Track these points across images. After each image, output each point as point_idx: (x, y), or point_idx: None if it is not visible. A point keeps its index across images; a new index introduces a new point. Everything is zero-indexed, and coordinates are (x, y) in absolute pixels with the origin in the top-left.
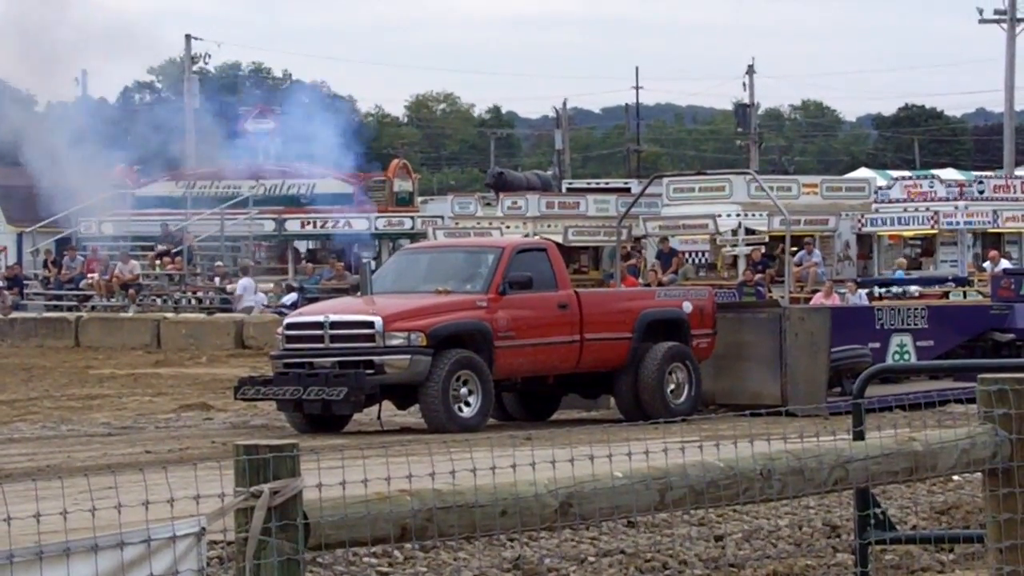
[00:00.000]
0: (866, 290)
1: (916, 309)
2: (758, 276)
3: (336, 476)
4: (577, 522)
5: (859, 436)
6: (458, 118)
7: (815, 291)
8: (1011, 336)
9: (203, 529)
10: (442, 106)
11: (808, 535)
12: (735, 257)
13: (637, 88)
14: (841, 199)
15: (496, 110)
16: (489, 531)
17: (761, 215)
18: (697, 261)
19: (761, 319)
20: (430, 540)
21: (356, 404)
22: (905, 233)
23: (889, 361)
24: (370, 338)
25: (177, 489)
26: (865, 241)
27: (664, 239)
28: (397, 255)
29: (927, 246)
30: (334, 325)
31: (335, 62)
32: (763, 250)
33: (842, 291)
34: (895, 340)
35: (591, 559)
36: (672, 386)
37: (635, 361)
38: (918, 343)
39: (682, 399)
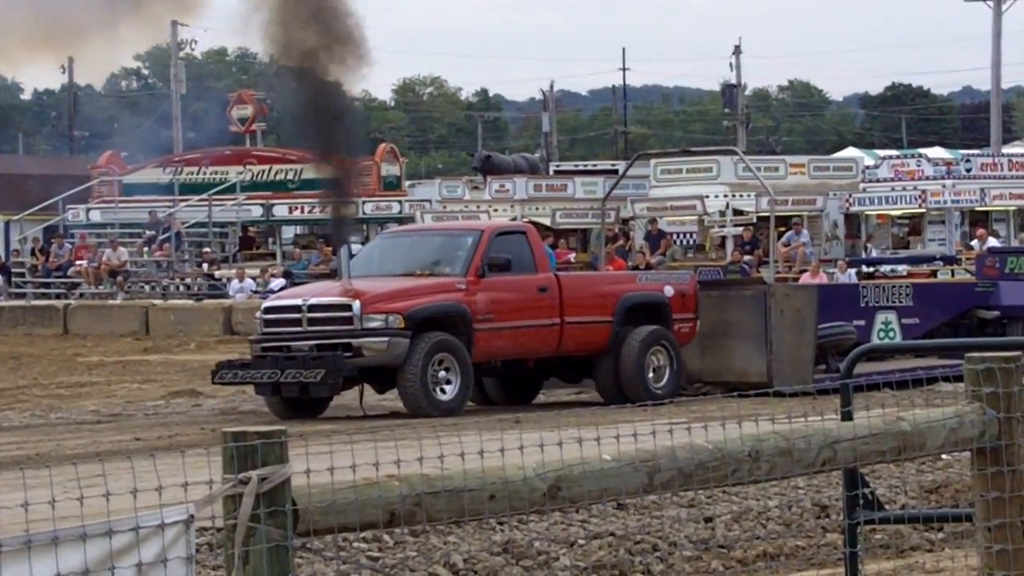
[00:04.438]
0: (855, 269)
1: (901, 287)
2: (746, 257)
3: (324, 462)
4: (566, 505)
5: (847, 416)
6: (445, 102)
7: (803, 271)
8: (996, 314)
9: (191, 516)
10: (429, 90)
11: (797, 515)
12: (723, 238)
13: (624, 70)
14: (829, 179)
15: (483, 93)
16: (478, 515)
17: (749, 196)
18: (685, 242)
19: (746, 296)
20: (419, 525)
21: (334, 387)
22: (893, 212)
23: (875, 339)
24: (348, 321)
25: (165, 476)
26: (853, 221)
27: (652, 221)
28: (377, 239)
29: (915, 225)
30: (312, 308)
31: None
32: (751, 231)
33: (831, 271)
34: (880, 318)
35: (581, 542)
36: (653, 370)
37: (616, 345)
38: (903, 320)
39: (663, 382)
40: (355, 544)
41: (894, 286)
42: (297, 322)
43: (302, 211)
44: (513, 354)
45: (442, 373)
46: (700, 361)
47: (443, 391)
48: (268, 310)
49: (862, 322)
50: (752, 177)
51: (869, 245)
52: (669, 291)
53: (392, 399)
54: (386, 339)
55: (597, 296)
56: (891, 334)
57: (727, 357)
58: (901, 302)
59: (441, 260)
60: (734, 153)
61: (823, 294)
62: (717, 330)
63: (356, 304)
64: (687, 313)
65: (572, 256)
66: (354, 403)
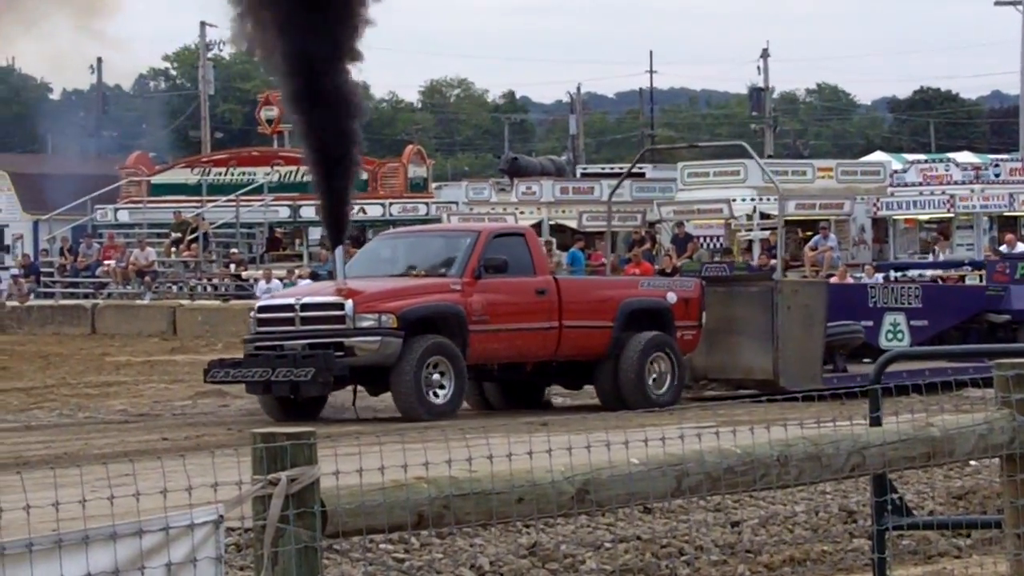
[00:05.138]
0: (882, 274)
1: (910, 288)
2: (773, 260)
3: (353, 463)
4: (593, 509)
5: (876, 422)
6: (472, 104)
7: (830, 275)
8: (1006, 318)
9: (221, 517)
10: (456, 92)
11: (825, 520)
12: (750, 242)
13: (651, 72)
14: (856, 183)
15: (510, 95)
16: (506, 518)
17: (776, 199)
18: (712, 246)
19: (753, 292)
20: (447, 527)
21: (324, 385)
22: (920, 217)
23: (883, 340)
24: (340, 320)
25: (194, 476)
26: (880, 225)
27: (679, 224)
28: (375, 240)
29: (943, 230)
30: (304, 308)
31: None
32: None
33: (859, 275)
34: (888, 319)
35: (607, 545)
36: (654, 376)
37: (616, 351)
38: (912, 322)
39: (664, 389)
40: (381, 546)
41: (903, 287)
42: (290, 321)
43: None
44: (509, 357)
45: (436, 376)
46: (705, 358)
47: (436, 394)
48: (261, 309)
49: (870, 322)
50: (780, 181)
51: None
52: (672, 297)
53: (387, 401)
54: (378, 339)
55: (597, 301)
56: (899, 336)
57: (733, 354)
58: (910, 304)
59: (438, 261)
60: (742, 149)
61: (832, 293)
62: (722, 326)
63: (349, 303)
64: (690, 320)
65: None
66: (346, 409)
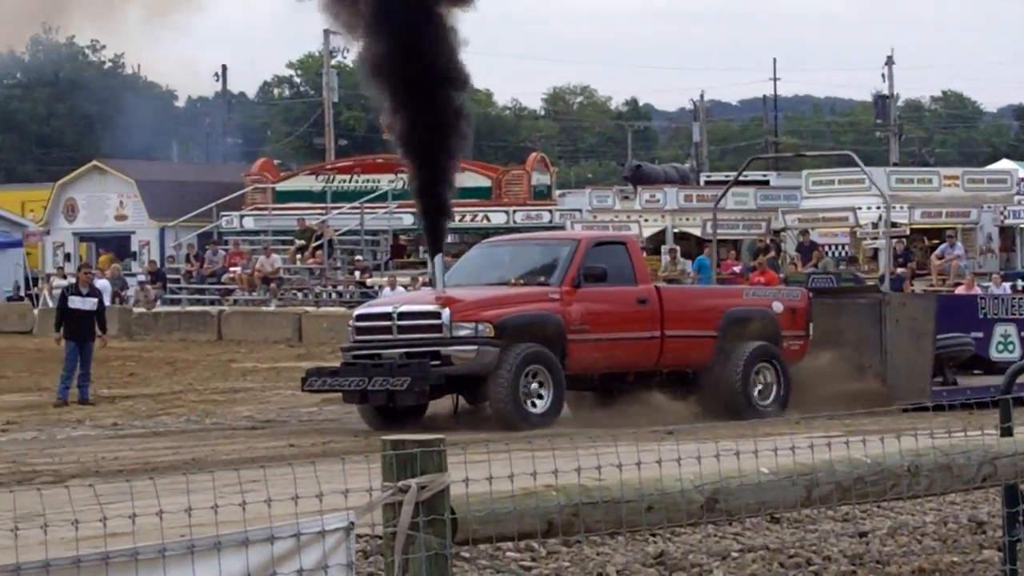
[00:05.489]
0: (1010, 283)
1: (1021, 299)
2: (900, 269)
3: (481, 471)
4: (723, 518)
5: (1007, 432)
6: (595, 111)
7: (957, 284)
8: None
9: (352, 524)
10: (579, 99)
11: (954, 531)
12: (876, 250)
13: (775, 80)
14: (983, 191)
15: (633, 103)
16: (635, 527)
17: (902, 207)
18: (837, 254)
19: (860, 305)
20: (576, 535)
21: (420, 395)
22: None
23: (992, 352)
24: (437, 329)
25: (324, 483)
26: (1008, 233)
27: (804, 232)
28: (475, 249)
29: None
30: (402, 316)
31: (472, 56)
32: (904, 243)
33: (986, 284)
34: (999, 330)
35: (734, 554)
36: (759, 387)
37: (721, 360)
38: (1023, 334)
39: (769, 400)
40: (508, 553)
41: (1015, 298)
42: (387, 330)
43: (453, 220)
44: (610, 367)
45: (534, 385)
46: (812, 370)
47: (534, 404)
48: (359, 317)
49: (980, 334)
50: (905, 189)
51: None
52: (778, 307)
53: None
54: (475, 348)
55: (701, 310)
56: (1010, 347)
57: (841, 366)
58: (1022, 315)
59: (537, 270)
60: (848, 158)
61: (941, 305)
62: (830, 338)
63: (446, 312)
64: (797, 330)
65: (738, 267)
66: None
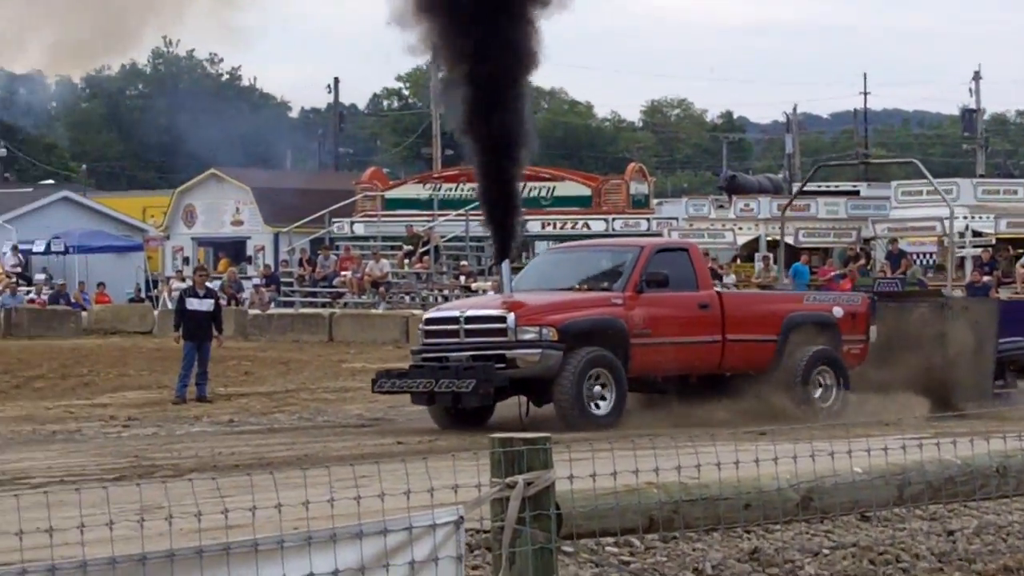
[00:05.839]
0: None
1: None
2: (986, 277)
3: (585, 468)
4: (817, 516)
5: None
6: (691, 123)
7: None
8: None
9: (462, 518)
10: (676, 111)
11: None
12: (962, 258)
13: (865, 94)
14: None
15: (728, 115)
16: (732, 523)
17: (988, 217)
18: (925, 263)
19: (923, 308)
20: (675, 531)
21: (484, 396)
22: None
23: None
24: (503, 332)
25: (433, 479)
26: None
27: (893, 240)
28: (542, 255)
29: None
30: (469, 320)
31: (573, 69)
32: (991, 252)
33: None
34: None
35: (825, 551)
36: (820, 390)
37: (781, 363)
38: None
39: (829, 403)
40: (607, 548)
41: None
42: (455, 333)
43: (554, 227)
44: (672, 370)
45: (597, 388)
46: (876, 372)
47: (598, 405)
48: (428, 321)
49: None
50: (991, 200)
51: None
52: (838, 312)
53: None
54: (539, 351)
55: (762, 314)
56: None
57: (904, 369)
58: None
59: (601, 275)
60: (914, 166)
61: (1003, 309)
62: (895, 342)
63: (511, 316)
64: (857, 334)
65: (834, 272)
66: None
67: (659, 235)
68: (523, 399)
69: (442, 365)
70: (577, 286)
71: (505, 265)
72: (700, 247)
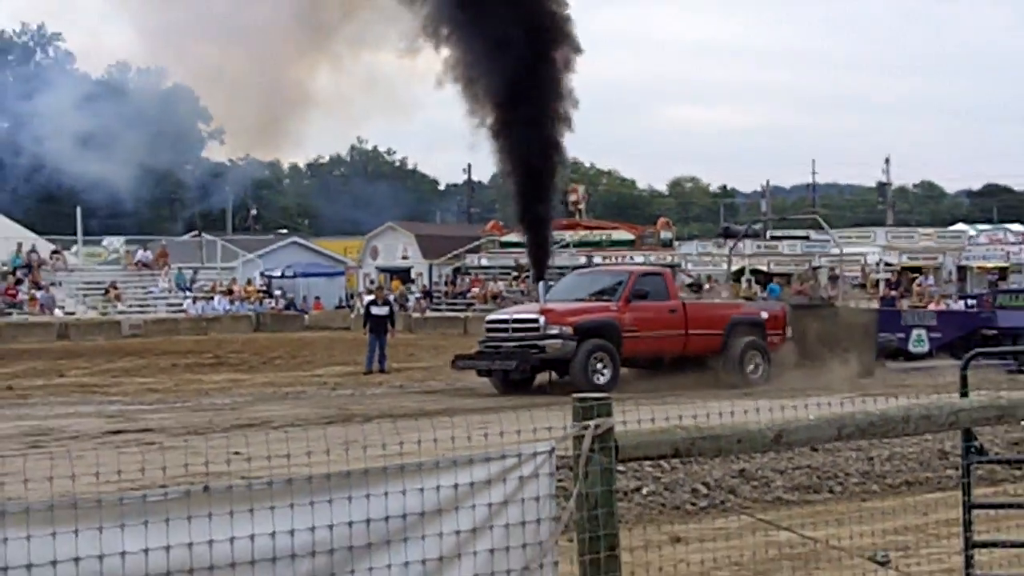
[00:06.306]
0: (964, 302)
1: (928, 312)
2: (893, 292)
3: (633, 416)
4: (784, 447)
5: (964, 394)
6: (700, 192)
7: (929, 302)
8: (994, 331)
9: (553, 448)
10: (689, 184)
11: (928, 457)
12: (878, 280)
13: (813, 172)
14: (945, 244)
15: (723, 187)
16: (728, 453)
17: (894, 253)
18: (853, 283)
19: (821, 315)
20: (692, 457)
21: (523, 372)
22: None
23: (911, 347)
24: (536, 329)
25: (535, 423)
26: (962, 271)
27: (832, 268)
28: (568, 276)
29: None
30: (514, 322)
31: (619, 154)
32: (896, 275)
33: (948, 302)
34: (915, 333)
35: (788, 470)
36: (751, 366)
37: (725, 349)
38: (931, 335)
39: (758, 376)
40: (646, 468)
41: (924, 312)
42: (505, 330)
43: (612, 259)
44: (651, 354)
45: (599, 365)
46: (792, 356)
47: (600, 377)
48: (489, 323)
49: (903, 335)
50: (896, 242)
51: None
52: (764, 315)
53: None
54: (560, 341)
55: (713, 317)
56: (921, 344)
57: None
58: (930, 323)
59: (604, 290)
60: (815, 220)
61: (880, 316)
62: (802, 337)
63: (542, 318)
64: (778, 330)
65: (796, 289)
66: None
67: (678, 265)
68: (550, 373)
69: (496, 351)
70: (588, 297)
71: (541, 284)
72: (704, 273)
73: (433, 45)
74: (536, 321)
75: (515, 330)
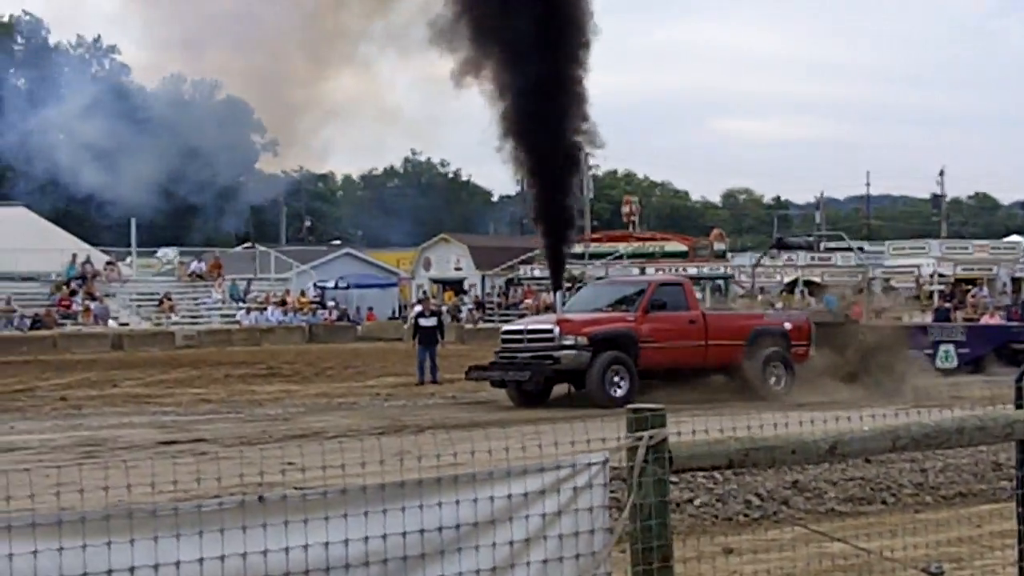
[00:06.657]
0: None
1: (958, 327)
2: (947, 304)
3: (688, 427)
4: (837, 459)
5: (1020, 406)
6: (753, 203)
7: (983, 314)
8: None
9: (607, 459)
10: (743, 196)
11: (982, 468)
12: (931, 291)
13: (868, 184)
14: (999, 256)
15: (777, 198)
16: (782, 463)
17: (949, 265)
18: (907, 294)
19: (844, 332)
20: (746, 468)
21: (537, 383)
22: None
23: (938, 363)
24: (551, 339)
25: (589, 434)
26: (1017, 283)
27: (886, 279)
28: (586, 287)
29: None
30: (529, 332)
31: (673, 167)
32: (951, 287)
33: (1002, 314)
34: (942, 348)
35: (841, 481)
36: (774, 378)
37: (747, 360)
38: (959, 350)
39: (781, 387)
40: (699, 479)
41: (953, 327)
42: (520, 340)
43: (664, 271)
44: (670, 365)
45: (616, 377)
46: (816, 370)
47: (617, 389)
48: (504, 332)
49: (931, 351)
50: (951, 254)
51: None
52: (788, 325)
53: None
54: (575, 352)
55: (735, 327)
56: (950, 359)
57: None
58: (958, 338)
59: (622, 300)
60: (841, 237)
61: (907, 333)
62: (827, 352)
63: (556, 328)
64: (802, 340)
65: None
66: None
67: (732, 276)
68: (569, 385)
69: (511, 362)
70: (606, 308)
71: (558, 294)
72: (757, 285)
73: (449, 47)
74: (550, 331)
75: (530, 340)
